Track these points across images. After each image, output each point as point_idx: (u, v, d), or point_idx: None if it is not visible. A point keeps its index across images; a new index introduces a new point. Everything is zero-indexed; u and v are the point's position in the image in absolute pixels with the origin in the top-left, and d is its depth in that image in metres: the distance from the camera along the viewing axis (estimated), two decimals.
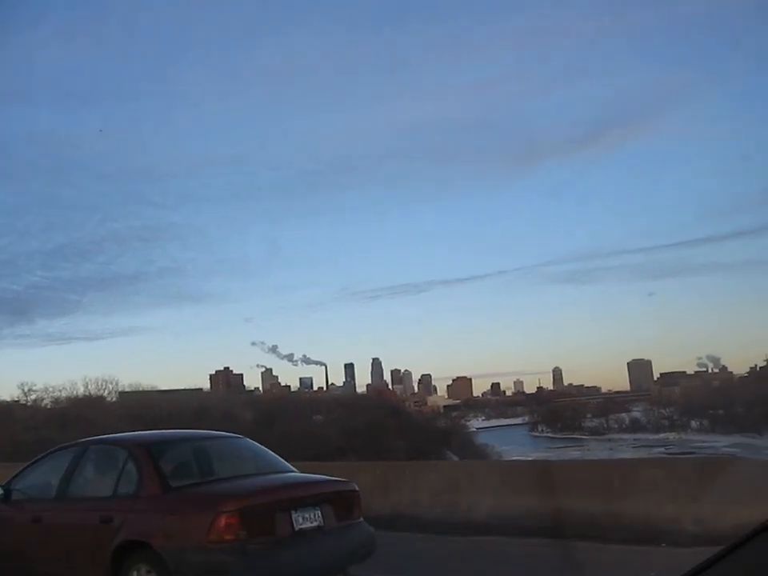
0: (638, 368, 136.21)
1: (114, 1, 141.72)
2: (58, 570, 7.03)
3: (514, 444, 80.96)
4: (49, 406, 59.67)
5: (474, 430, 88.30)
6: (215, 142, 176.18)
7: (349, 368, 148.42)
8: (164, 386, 71.48)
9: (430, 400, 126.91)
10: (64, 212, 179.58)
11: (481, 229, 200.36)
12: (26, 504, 7.58)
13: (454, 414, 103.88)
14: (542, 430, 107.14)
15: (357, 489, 6.96)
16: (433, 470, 12.14)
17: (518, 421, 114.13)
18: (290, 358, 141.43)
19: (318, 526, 6.39)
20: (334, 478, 7.22)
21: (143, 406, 55.10)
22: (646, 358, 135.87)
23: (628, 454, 67.88)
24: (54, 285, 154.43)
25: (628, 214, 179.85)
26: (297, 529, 6.24)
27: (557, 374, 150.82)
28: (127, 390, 65.38)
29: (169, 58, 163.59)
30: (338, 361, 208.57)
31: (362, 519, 6.88)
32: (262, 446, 7.77)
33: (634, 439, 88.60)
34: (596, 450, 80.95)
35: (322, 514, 6.43)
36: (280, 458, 7.44)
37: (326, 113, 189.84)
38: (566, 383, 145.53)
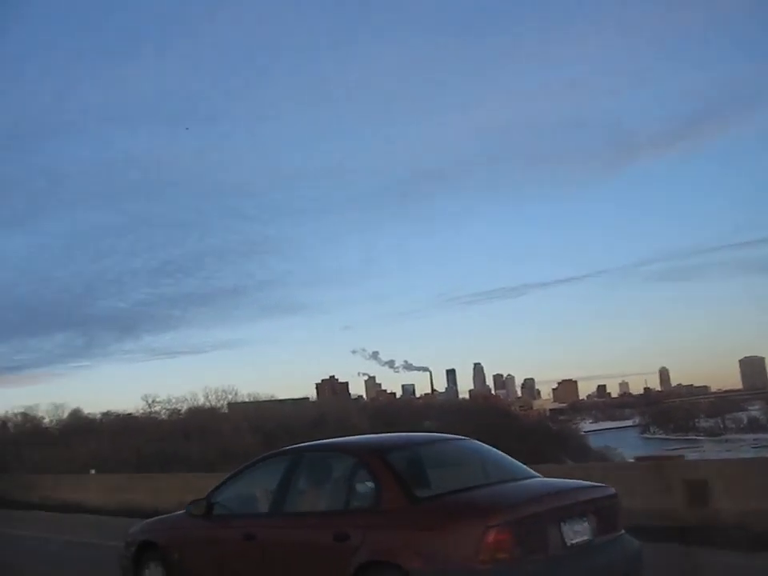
0: (751, 365, 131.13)
1: (204, 24, 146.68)
2: None
3: (626, 446, 79.13)
4: (165, 417, 61.98)
5: (584, 433, 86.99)
6: (308, 154, 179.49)
7: (450, 374, 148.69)
8: (267, 395, 73.09)
9: (535, 404, 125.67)
10: (165, 230, 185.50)
11: (576, 229, 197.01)
12: (233, 519, 6.80)
13: (561, 417, 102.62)
14: (654, 432, 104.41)
15: (617, 494, 6.10)
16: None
17: (628, 423, 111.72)
18: (390, 364, 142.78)
19: (588, 540, 5.56)
20: (595, 483, 6.35)
21: (261, 416, 56.60)
22: (759, 354, 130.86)
23: (750, 455, 65.36)
24: (159, 301, 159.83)
25: (726, 209, 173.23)
26: (568, 544, 5.40)
27: (664, 374, 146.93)
28: (246, 400, 67.36)
29: (259, 75, 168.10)
30: (438, 367, 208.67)
31: (623, 531, 6.00)
32: (494, 448, 6.88)
33: (754, 439, 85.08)
34: (713, 452, 78.20)
35: (589, 525, 5.60)
36: (516, 461, 6.59)
37: (416, 120, 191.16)
38: (673, 383, 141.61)
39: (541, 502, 5.55)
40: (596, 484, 6.30)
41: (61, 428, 73.67)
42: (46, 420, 77.76)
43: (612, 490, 6.07)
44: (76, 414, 75.61)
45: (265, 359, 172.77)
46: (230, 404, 68.38)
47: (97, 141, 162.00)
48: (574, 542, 5.43)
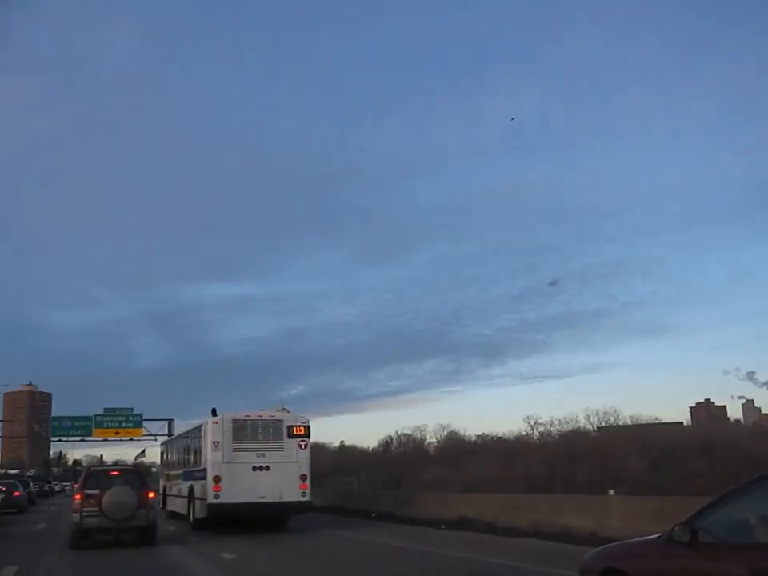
0: None
1: (550, 49, 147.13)
2: None
3: None
4: (546, 439, 61.84)
5: None
6: (663, 170, 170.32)
7: None
8: (649, 418, 69.25)
9: None
10: (525, 257, 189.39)
11: None
12: (730, 549, 5.63)
13: None
14: None
15: None
16: None
17: None
18: None
19: None
20: None
21: (643, 439, 53.52)
22: None
23: None
24: (521, 327, 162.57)
25: None
26: None
27: None
28: (628, 423, 65.09)
29: (605, 95, 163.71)
30: None
31: None
32: None
33: None
34: None
35: None
36: None
37: None
38: None
39: None
40: None
41: (439, 448, 77.79)
42: (429, 440, 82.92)
43: None
44: (453, 436, 79.33)
45: (631, 382, 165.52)
46: (599, 428, 66.51)
47: (456, 175, 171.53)
48: None
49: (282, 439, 21.22)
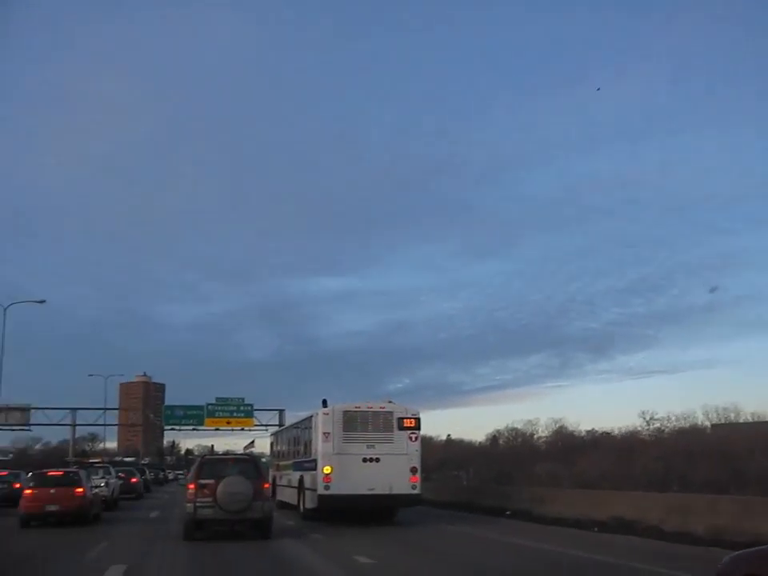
0: None
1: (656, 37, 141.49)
2: None
3: None
4: (662, 435, 59.80)
5: None
6: None
7: None
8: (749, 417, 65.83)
9: None
10: (632, 249, 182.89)
11: None
12: None
13: None
14: None
15: None
16: None
17: None
18: None
19: None
20: None
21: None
22: None
23: None
24: (630, 321, 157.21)
25: None
26: None
27: None
28: (749, 419, 61.96)
29: (725, 76, 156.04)
30: None
31: None
32: None
33: None
34: None
35: None
36: None
37: None
38: None
39: None
40: None
41: (548, 443, 76.16)
42: (539, 435, 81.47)
43: None
44: (562, 431, 77.56)
45: (751, 379, 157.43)
46: (717, 424, 64.06)
47: (561, 166, 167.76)
48: None
49: (393, 431, 20.89)
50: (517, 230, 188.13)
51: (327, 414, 20.96)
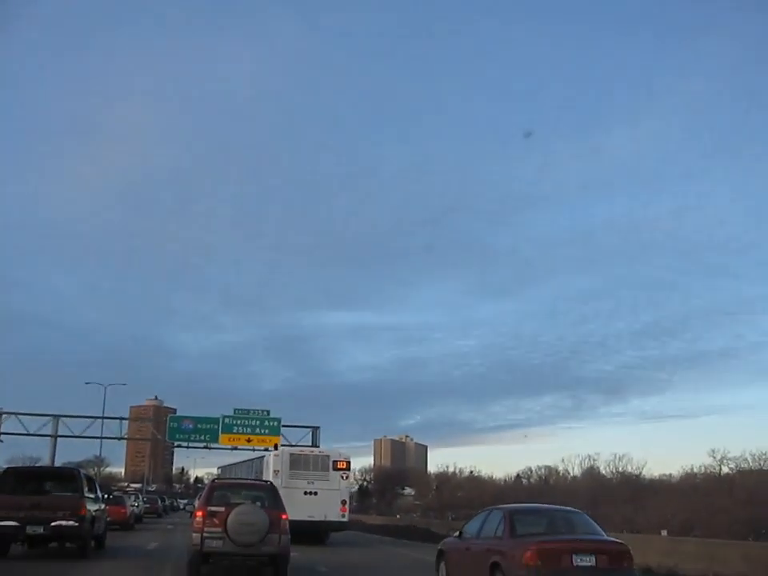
0: None
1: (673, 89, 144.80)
2: None
3: None
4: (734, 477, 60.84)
5: None
6: None
7: None
8: None
9: None
10: (647, 292, 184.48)
11: None
12: None
13: None
14: None
15: (627, 547, 11.19)
16: None
17: None
18: None
19: (591, 566, 10.59)
20: (610, 539, 11.73)
21: None
22: None
23: None
24: (644, 364, 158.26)
25: None
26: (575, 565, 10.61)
27: None
28: None
29: (739, 122, 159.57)
30: None
31: (633, 569, 11.03)
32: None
33: None
34: None
35: (596, 559, 10.61)
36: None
37: None
38: None
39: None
40: (612, 540, 11.82)
41: (574, 483, 77.45)
42: (571, 475, 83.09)
43: (624, 545, 11.33)
44: (589, 472, 79.47)
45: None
46: (739, 471, 64.70)
47: (576, 209, 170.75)
48: (580, 564, 10.61)
49: (328, 471, 26.54)
50: (531, 270, 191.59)
51: (277, 455, 26.89)
